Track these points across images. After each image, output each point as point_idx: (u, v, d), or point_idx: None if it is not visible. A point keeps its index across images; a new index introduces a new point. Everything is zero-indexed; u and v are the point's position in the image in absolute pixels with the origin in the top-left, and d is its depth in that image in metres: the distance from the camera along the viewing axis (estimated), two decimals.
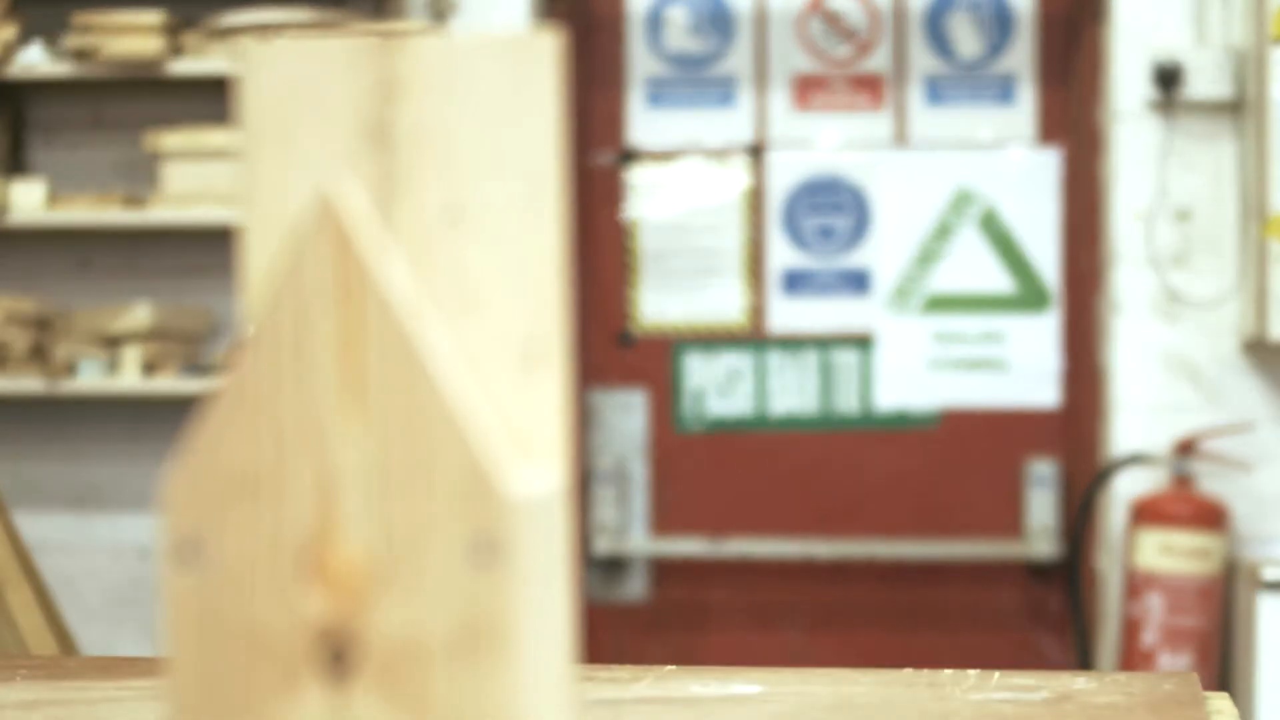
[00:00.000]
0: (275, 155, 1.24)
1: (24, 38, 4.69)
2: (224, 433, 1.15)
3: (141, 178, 4.76)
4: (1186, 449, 4.46)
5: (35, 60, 4.66)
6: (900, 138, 4.63)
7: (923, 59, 4.62)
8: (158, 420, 4.83)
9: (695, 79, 4.67)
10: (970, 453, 4.62)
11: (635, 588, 4.69)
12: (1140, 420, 4.51)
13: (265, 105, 1.26)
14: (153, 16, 4.63)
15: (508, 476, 1.18)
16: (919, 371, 4.63)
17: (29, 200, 4.69)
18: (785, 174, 4.67)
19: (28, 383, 4.67)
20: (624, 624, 4.66)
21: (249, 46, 1.24)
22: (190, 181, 4.60)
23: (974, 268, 4.60)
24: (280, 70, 1.24)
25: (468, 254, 1.20)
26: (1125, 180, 4.50)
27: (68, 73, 4.66)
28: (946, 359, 4.62)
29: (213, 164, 4.50)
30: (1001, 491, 4.64)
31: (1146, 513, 4.42)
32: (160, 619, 1.20)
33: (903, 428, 4.65)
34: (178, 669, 1.17)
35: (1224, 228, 4.46)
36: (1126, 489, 4.50)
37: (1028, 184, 4.61)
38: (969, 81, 4.62)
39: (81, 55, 4.63)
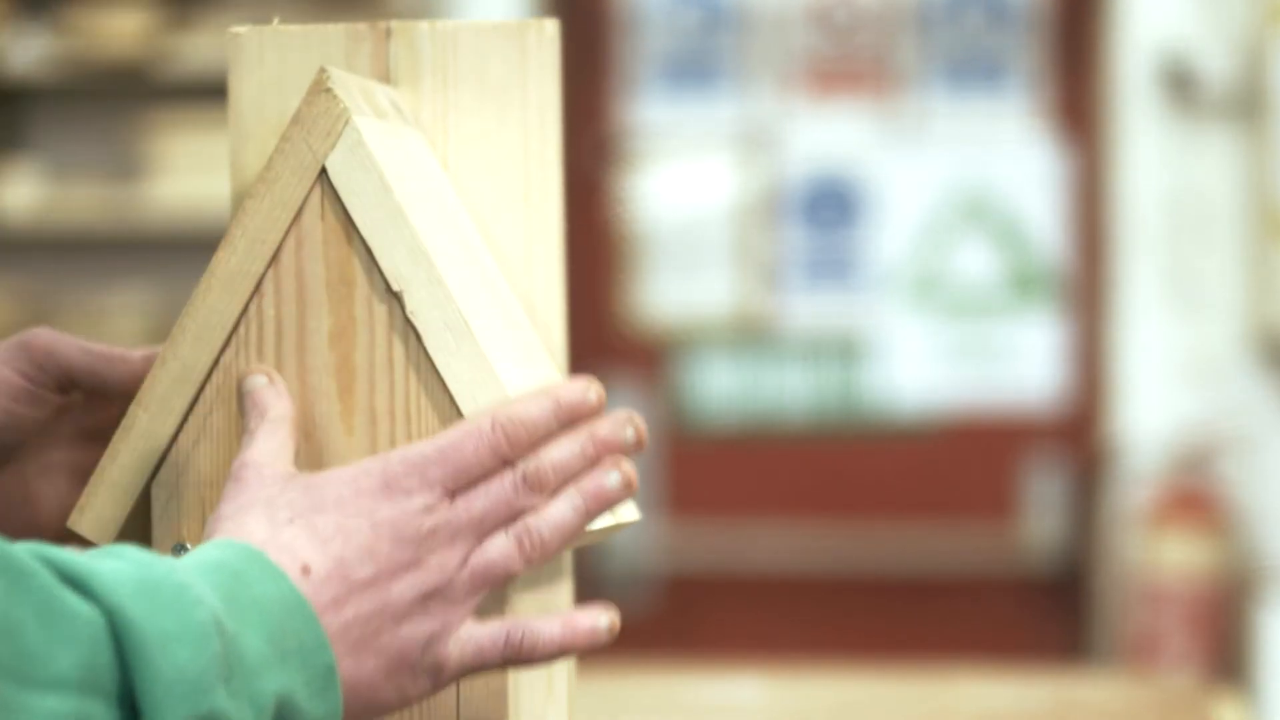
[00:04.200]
0: (269, 145, 1.22)
1: (18, 31, 4.67)
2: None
3: (137, 173, 4.73)
4: (1193, 448, 4.44)
5: (29, 55, 4.64)
6: (904, 130, 4.61)
7: (928, 50, 4.60)
8: None
9: (697, 68, 4.65)
10: (971, 450, 4.60)
11: (633, 589, 4.67)
12: (1146, 418, 4.49)
13: (259, 93, 1.24)
14: (149, 11, 4.61)
15: None
16: (921, 366, 4.60)
17: (21, 196, 4.67)
18: (787, 166, 4.65)
19: None
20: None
21: (242, 34, 1.22)
22: (187, 177, 4.58)
23: (978, 262, 4.58)
24: (274, 58, 1.21)
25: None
26: (1131, 173, 4.48)
27: (61, 68, 4.64)
28: (950, 354, 4.60)
29: (210, 161, 4.48)
30: (1004, 491, 4.62)
31: (1152, 513, 4.40)
32: None
33: (903, 422, 4.63)
34: None
35: (1232, 221, 4.43)
36: (1132, 488, 4.48)
37: (1033, 177, 4.59)
38: (975, 73, 4.59)
39: (75, 50, 4.61)
